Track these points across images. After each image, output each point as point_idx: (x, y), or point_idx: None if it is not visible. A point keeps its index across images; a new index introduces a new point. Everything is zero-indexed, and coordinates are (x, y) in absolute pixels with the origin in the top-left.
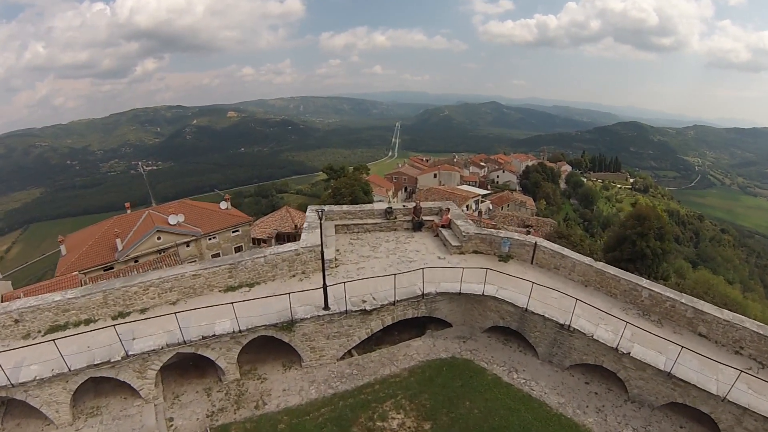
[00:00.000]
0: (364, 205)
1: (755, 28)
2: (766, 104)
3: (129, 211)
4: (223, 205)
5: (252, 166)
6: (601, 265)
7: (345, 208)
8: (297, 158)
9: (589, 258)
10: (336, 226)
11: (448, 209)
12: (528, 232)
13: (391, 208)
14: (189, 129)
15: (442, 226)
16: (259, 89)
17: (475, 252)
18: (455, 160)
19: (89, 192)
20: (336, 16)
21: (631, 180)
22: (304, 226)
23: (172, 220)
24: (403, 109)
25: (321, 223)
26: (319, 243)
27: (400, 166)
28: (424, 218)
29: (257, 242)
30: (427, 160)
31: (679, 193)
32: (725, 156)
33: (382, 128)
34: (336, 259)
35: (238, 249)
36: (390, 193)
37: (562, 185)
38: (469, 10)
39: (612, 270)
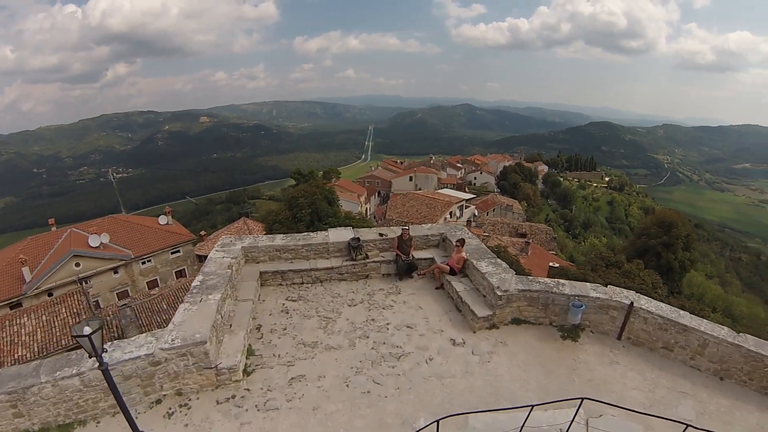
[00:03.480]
0: (312, 235)
1: (720, 30)
2: (731, 103)
3: (54, 228)
4: (163, 219)
5: (224, 171)
6: (753, 343)
7: (279, 241)
8: (270, 163)
9: (727, 329)
10: (263, 274)
11: (462, 241)
12: (527, 243)
13: (358, 239)
14: (161, 135)
15: (452, 272)
16: (232, 94)
17: (517, 321)
18: (431, 161)
19: (57, 201)
20: (310, 20)
21: (607, 178)
22: (194, 285)
23: (93, 241)
24: (377, 112)
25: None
26: (206, 333)
27: (373, 169)
28: (416, 255)
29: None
30: (401, 163)
31: (649, 190)
32: (693, 153)
33: (355, 132)
34: (248, 361)
35: (179, 273)
36: (362, 198)
37: (540, 185)
38: (442, 14)
39: None
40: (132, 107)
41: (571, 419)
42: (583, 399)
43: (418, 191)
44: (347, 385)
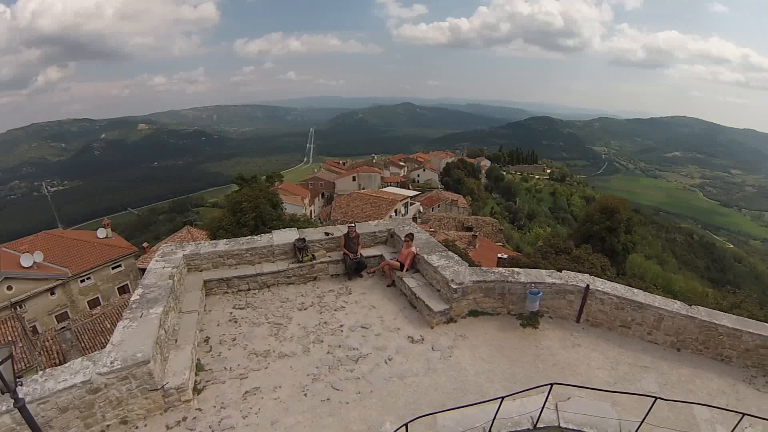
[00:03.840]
0: (256, 238)
1: (650, 30)
2: (661, 97)
3: None
4: (102, 233)
5: (166, 180)
6: (705, 314)
7: (223, 247)
8: (212, 170)
9: (680, 303)
10: (207, 283)
11: (411, 236)
12: (474, 236)
13: (303, 240)
14: (98, 144)
15: (402, 268)
16: (171, 99)
17: (474, 313)
18: (374, 161)
19: None
20: (251, 22)
21: (548, 171)
22: (132, 299)
23: (26, 260)
24: (318, 114)
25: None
26: (149, 351)
27: (316, 171)
28: (365, 253)
29: None
30: (343, 164)
31: (589, 180)
32: (628, 144)
33: (297, 135)
34: (198, 378)
35: (122, 289)
36: (306, 201)
37: (483, 180)
38: (383, 15)
39: (726, 320)
40: (65, 115)
41: (542, 406)
42: (552, 384)
43: (362, 191)
44: (305, 395)
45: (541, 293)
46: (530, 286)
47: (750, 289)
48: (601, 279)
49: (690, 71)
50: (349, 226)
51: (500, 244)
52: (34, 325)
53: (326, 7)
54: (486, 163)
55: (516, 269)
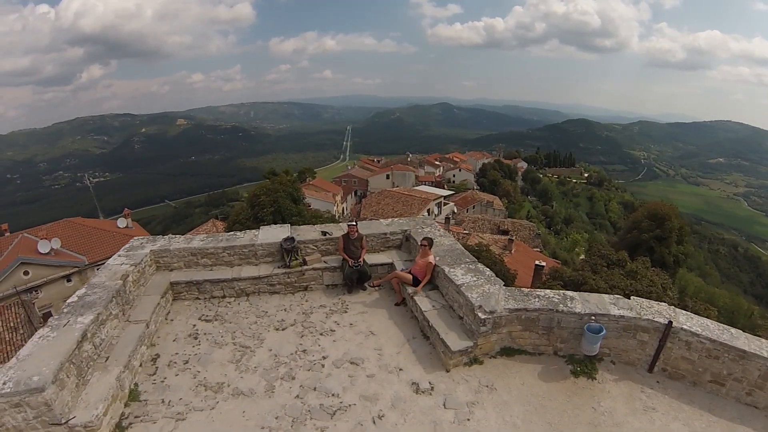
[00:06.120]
0: (238, 234)
1: (690, 30)
2: (703, 99)
3: (8, 234)
4: (122, 222)
5: (203, 174)
6: None
7: (197, 243)
8: (248, 165)
9: None
10: (174, 285)
11: (430, 241)
12: (511, 240)
13: (292, 239)
14: (137, 138)
15: (416, 282)
16: (209, 96)
17: (508, 352)
18: (408, 159)
19: (32, 208)
20: (286, 21)
21: (586, 174)
22: (69, 301)
23: (43, 247)
24: (354, 112)
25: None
26: (49, 374)
27: (350, 168)
28: (368, 259)
29: None
30: (378, 161)
31: (627, 186)
32: (668, 149)
33: (333, 132)
34: (127, 410)
35: None
36: (338, 198)
37: (520, 182)
38: (418, 14)
39: None
40: (107, 110)
41: None
42: None
43: (395, 189)
44: None
45: (604, 330)
46: (588, 318)
47: None
48: (685, 312)
49: (733, 73)
50: (349, 225)
51: (537, 249)
52: (50, 311)
53: (360, 6)
54: (522, 165)
55: (569, 293)
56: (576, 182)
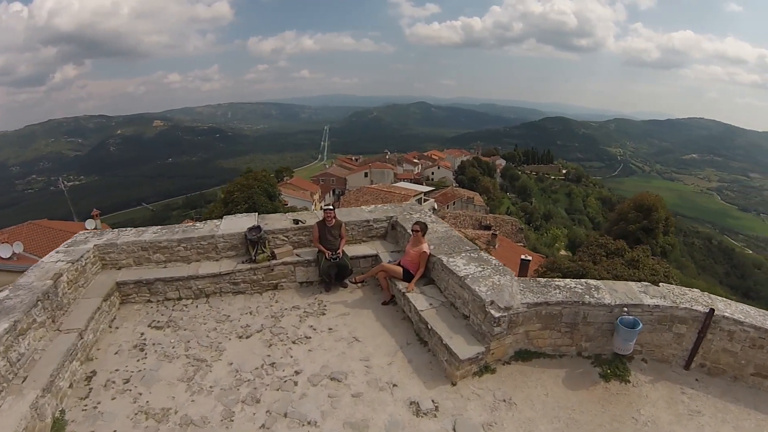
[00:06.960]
0: (198, 225)
1: (665, 30)
2: (678, 98)
3: None
4: (90, 224)
5: (181, 176)
6: None
7: (149, 236)
8: (226, 166)
9: None
10: (122, 286)
11: (423, 226)
12: (494, 235)
13: (258, 228)
14: (113, 140)
15: (407, 276)
16: (186, 96)
17: (524, 356)
18: (387, 157)
19: (4, 213)
20: (264, 20)
21: (564, 171)
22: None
23: (4, 251)
24: (332, 112)
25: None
26: None
27: (328, 167)
28: (348, 250)
29: None
30: (356, 160)
31: (605, 182)
32: (644, 146)
33: (311, 132)
34: None
35: None
36: (316, 196)
37: (498, 179)
38: (396, 14)
39: None
40: (82, 111)
41: None
42: None
43: (373, 185)
44: None
45: (640, 324)
46: (621, 311)
47: None
48: (720, 298)
49: (706, 72)
50: (325, 209)
51: (521, 244)
52: None
53: (339, 6)
54: (501, 163)
55: (591, 282)
56: (554, 179)
